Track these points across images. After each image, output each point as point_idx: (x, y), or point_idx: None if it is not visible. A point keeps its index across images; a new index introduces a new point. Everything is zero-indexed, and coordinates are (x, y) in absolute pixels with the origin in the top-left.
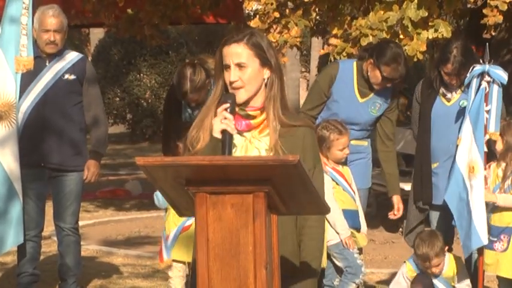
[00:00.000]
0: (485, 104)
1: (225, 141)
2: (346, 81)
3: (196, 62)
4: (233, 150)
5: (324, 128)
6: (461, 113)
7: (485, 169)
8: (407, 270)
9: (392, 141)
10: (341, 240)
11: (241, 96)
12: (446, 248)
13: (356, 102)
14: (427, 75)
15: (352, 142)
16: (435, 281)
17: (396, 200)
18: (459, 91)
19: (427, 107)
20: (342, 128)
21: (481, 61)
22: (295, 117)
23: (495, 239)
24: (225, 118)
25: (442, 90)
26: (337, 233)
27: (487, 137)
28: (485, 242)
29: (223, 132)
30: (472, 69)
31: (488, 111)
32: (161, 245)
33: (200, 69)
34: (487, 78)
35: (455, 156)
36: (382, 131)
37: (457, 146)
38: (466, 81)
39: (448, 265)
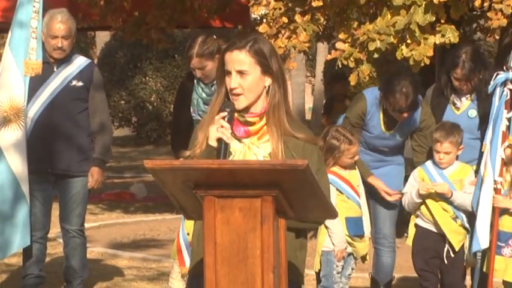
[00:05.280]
0: (506, 111)
1: (220, 150)
2: (373, 116)
3: (213, 36)
4: (230, 157)
5: (333, 137)
6: (468, 122)
7: (500, 175)
8: (418, 172)
9: (426, 150)
10: (333, 251)
11: (240, 103)
12: None
13: (383, 134)
14: (437, 82)
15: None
16: (440, 174)
17: None
18: (468, 100)
19: (437, 114)
20: (352, 137)
21: (505, 68)
22: (299, 128)
23: (503, 245)
24: (222, 126)
25: (452, 97)
26: (333, 244)
27: (507, 143)
28: (484, 246)
29: (219, 140)
30: (496, 77)
31: (509, 119)
32: (179, 246)
33: (213, 41)
34: (510, 85)
35: (479, 162)
36: (416, 142)
37: (482, 152)
38: (490, 89)
39: (459, 170)
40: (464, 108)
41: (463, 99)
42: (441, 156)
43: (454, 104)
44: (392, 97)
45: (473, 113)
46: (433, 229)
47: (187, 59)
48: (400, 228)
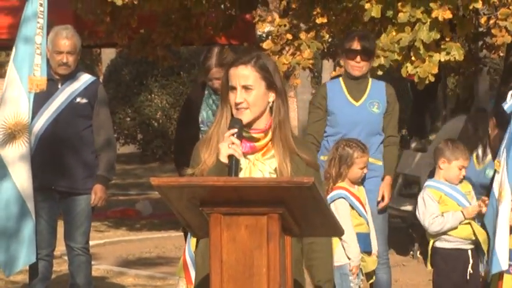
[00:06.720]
0: None
1: (232, 166)
2: (337, 93)
3: (226, 47)
4: (241, 173)
5: (346, 145)
6: (485, 182)
7: None
8: (432, 193)
9: (394, 136)
10: (349, 265)
11: (246, 117)
12: None
13: (353, 107)
14: (462, 132)
15: None
16: (455, 190)
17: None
18: (489, 157)
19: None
20: (364, 147)
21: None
22: (303, 147)
23: None
24: (233, 143)
25: (477, 151)
26: (348, 258)
27: None
28: (504, 267)
29: (230, 157)
30: None
31: None
32: (186, 264)
33: (228, 51)
34: None
35: (492, 180)
36: (386, 123)
37: (495, 170)
38: (508, 109)
39: (462, 184)
40: (484, 165)
41: (486, 156)
42: (463, 172)
43: (477, 157)
44: (346, 40)
45: (490, 173)
46: (462, 246)
47: (204, 71)
48: (405, 246)
